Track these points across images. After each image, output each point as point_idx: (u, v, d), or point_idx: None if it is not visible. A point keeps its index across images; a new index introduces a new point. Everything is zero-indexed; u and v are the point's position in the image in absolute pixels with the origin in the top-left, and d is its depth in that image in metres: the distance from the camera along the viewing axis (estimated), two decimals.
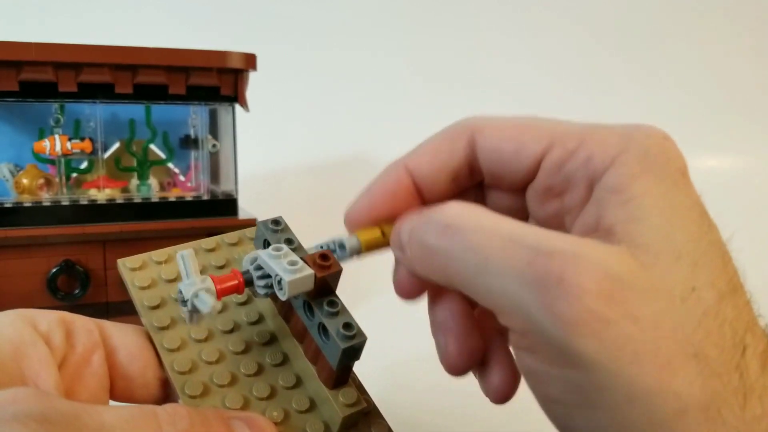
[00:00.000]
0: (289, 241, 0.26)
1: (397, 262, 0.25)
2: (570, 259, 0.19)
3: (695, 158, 1.24)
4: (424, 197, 0.25)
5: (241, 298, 0.28)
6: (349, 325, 0.23)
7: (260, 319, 0.27)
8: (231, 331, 0.27)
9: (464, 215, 0.21)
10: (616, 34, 1.21)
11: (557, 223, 0.24)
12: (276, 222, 0.26)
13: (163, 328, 0.26)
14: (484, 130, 0.24)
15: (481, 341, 0.26)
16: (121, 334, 0.26)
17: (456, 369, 0.26)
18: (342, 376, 0.24)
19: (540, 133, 0.23)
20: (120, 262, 0.28)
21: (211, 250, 0.29)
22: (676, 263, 0.19)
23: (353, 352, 0.24)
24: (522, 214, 0.25)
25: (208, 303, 0.22)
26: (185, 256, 0.23)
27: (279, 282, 0.23)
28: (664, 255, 0.19)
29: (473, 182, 0.25)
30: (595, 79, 1.19)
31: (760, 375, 0.19)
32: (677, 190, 0.20)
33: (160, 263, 0.28)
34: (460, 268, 0.21)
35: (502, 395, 0.26)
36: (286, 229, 0.26)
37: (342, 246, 0.25)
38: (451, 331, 0.26)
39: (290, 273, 0.23)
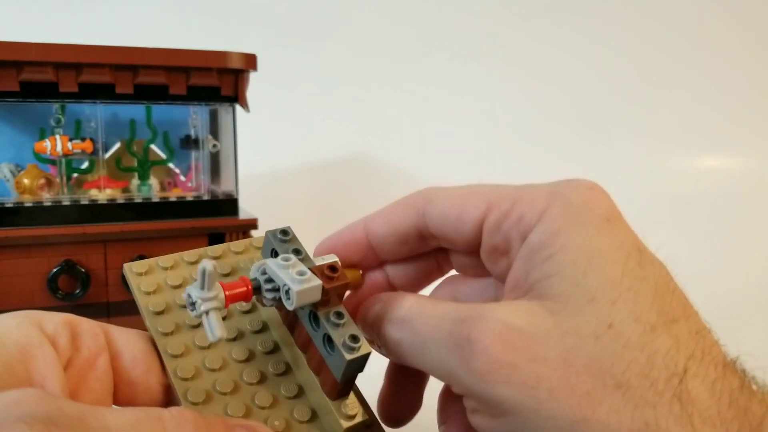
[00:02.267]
0: (297, 252, 0.26)
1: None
2: (475, 320, 0.21)
3: (695, 158, 1.24)
4: (377, 254, 0.29)
5: (246, 306, 0.28)
6: (355, 337, 0.23)
7: (264, 328, 0.27)
8: (235, 339, 0.27)
9: (413, 308, 0.25)
10: (616, 34, 1.21)
11: None
12: (284, 232, 0.26)
13: (167, 334, 0.26)
14: (433, 200, 0.26)
15: (417, 404, 0.30)
16: (125, 339, 0.26)
17: (386, 418, 0.29)
18: (345, 387, 0.24)
19: (479, 199, 0.25)
20: (126, 266, 0.28)
21: (217, 258, 0.29)
22: (588, 305, 0.21)
23: (358, 364, 0.24)
24: (484, 272, 0.27)
25: (216, 334, 0.22)
26: (208, 268, 0.22)
27: (287, 292, 0.23)
28: (574, 300, 0.21)
29: (427, 247, 0.28)
30: (594, 79, 1.19)
31: (712, 404, 0.19)
32: (599, 237, 0.22)
33: (166, 269, 0.28)
34: (412, 351, 0.24)
35: None
36: (294, 239, 0.26)
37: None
38: (389, 384, 0.29)
39: (299, 283, 0.23)
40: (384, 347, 0.26)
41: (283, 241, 0.26)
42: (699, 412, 0.19)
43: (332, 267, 0.24)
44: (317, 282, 0.23)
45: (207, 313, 0.22)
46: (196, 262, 0.29)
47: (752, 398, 0.20)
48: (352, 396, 0.25)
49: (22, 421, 0.16)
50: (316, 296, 0.23)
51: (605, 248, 0.22)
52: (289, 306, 0.23)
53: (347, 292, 0.29)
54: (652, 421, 0.19)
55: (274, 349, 0.27)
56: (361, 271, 0.30)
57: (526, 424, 0.20)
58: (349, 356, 0.23)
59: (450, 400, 0.29)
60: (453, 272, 0.31)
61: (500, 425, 0.21)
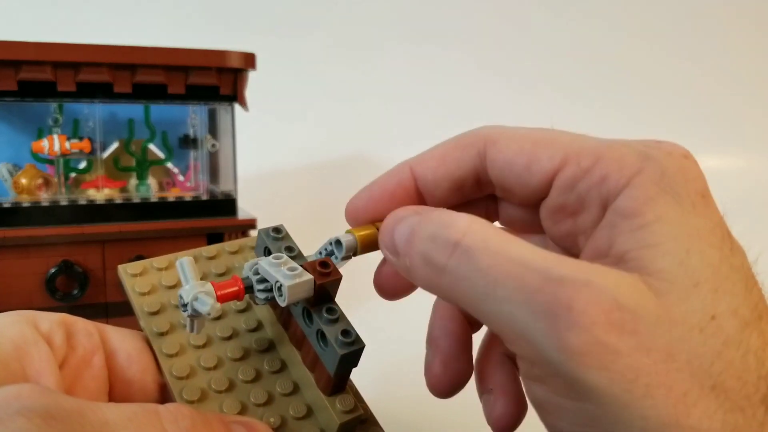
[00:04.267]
0: (290, 249, 0.26)
1: (384, 261, 0.25)
2: (580, 287, 0.18)
3: (696, 157, 1.24)
4: (425, 202, 0.25)
5: (240, 305, 0.28)
6: (347, 332, 0.23)
7: (259, 327, 0.28)
8: (229, 337, 0.27)
9: (473, 233, 0.20)
10: (617, 33, 1.21)
11: (571, 242, 0.23)
12: (277, 230, 0.26)
13: (162, 334, 0.26)
14: (497, 142, 0.23)
15: (469, 368, 0.26)
16: (120, 338, 0.26)
17: (437, 389, 0.26)
18: (339, 383, 0.24)
19: (554, 149, 0.22)
20: (121, 267, 0.28)
21: (212, 258, 0.30)
22: (693, 290, 0.18)
23: (351, 358, 0.24)
24: (537, 229, 0.24)
25: (207, 303, 0.22)
26: (184, 263, 0.23)
27: (279, 288, 0.23)
28: (680, 282, 0.18)
29: (481, 194, 0.25)
30: (595, 79, 1.19)
31: None
32: (695, 213, 0.19)
33: (160, 270, 0.29)
34: (468, 290, 0.20)
35: (504, 426, 0.25)
36: (287, 237, 0.26)
37: (339, 243, 0.25)
38: (439, 350, 0.26)
39: (290, 279, 0.23)
40: (415, 273, 0.22)
41: (276, 239, 0.26)
42: None
43: (324, 263, 0.24)
44: (308, 277, 0.23)
45: (196, 298, 0.22)
46: None
47: None
48: (347, 391, 0.25)
49: (21, 415, 0.16)
50: (308, 291, 0.23)
51: (702, 228, 0.19)
52: (282, 302, 0.23)
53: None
54: (740, 426, 0.17)
55: (269, 347, 0.27)
56: None
57: (609, 418, 0.18)
58: (341, 351, 0.23)
59: (497, 365, 0.26)
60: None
61: (572, 407, 0.19)
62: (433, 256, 0.21)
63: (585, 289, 0.18)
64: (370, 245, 0.25)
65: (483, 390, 0.27)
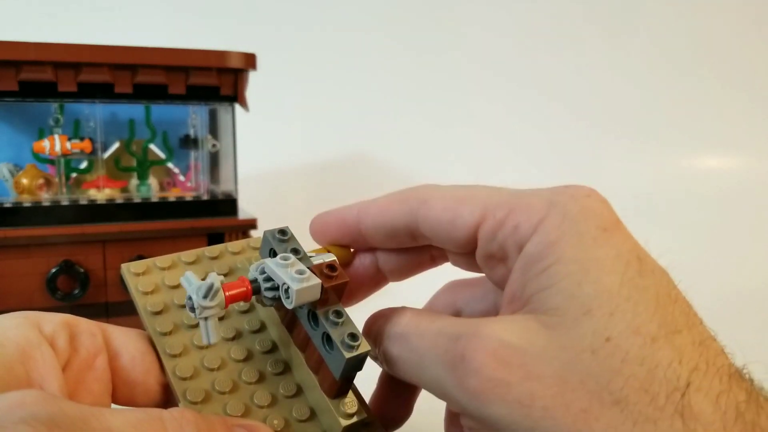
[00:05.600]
0: (296, 251, 0.26)
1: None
2: (469, 338, 0.21)
3: (696, 158, 1.24)
4: (366, 241, 0.28)
5: (244, 306, 0.28)
6: (354, 336, 0.23)
7: (262, 328, 0.28)
8: (233, 338, 0.27)
9: (410, 323, 0.25)
10: (617, 32, 1.21)
11: None
12: (283, 232, 0.26)
13: (165, 334, 0.26)
14: (427, 201, 0.25)
15: (400, 412, 0.30)
16: (124, 339, 0.26)
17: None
18: (344, 386, 0.24)
19: (474, 205, 0.24)
20: (124, 266, 0.28)
21: (215, 258, 0.29)
22: (584, 318, 0.20)
23: (357, 362, 0.24)
24: (480, 269, 0.27)
25: (211, 339, 0.23)
26: (216, 286, 0.23)
27: (286, 290, 0.23)
28: (570, 313, 0.20)
29: (416, 244, 0.27)
30: (595, 79, 1.19)
31: (716, 419, 0.18)
32: (595, 247, 0.21)
33: (163, 269, 0.28)
34: (409, 368, 0.24)
35: None
36: (293, 239, 0.26)
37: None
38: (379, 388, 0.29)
39: (298, 282, 0.23)
40: (383, 363, 0.26)
41: (282, 240, 0.26)
42: (703, 427, 0.18)
43: (331, 266, 0.24)
44: (316, 281, 0.23)
45: (206, 318, 0.22)
46: (193, 263, 0.29)
47: (760, 412, 0.19)
48: (350, 395, 0.25)
49: (25, 423, 0.16)
50: (316, 295, 0.23)
51: (601, 258, 0.21)
52: (289, 305, 0.23)
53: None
54: None
55: (273, 349, 0.27)
56: (351, 250, 0.29)
57: None
58: (348, 354, 0.23)
59: (456, 415, 0.28)
60: (454, 278, 0.30)
61: None
62: (388, 350, 0.25)
63: (474, 339, 0.21)
64: None
65: None
